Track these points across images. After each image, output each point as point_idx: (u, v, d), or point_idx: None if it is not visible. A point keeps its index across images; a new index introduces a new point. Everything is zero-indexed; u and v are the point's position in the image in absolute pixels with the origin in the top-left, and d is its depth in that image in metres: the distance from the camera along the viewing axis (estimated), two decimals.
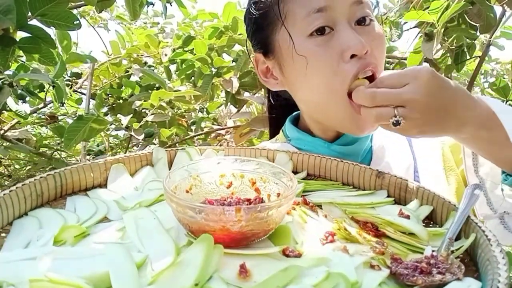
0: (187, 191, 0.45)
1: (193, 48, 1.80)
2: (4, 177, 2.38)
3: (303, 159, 0.60)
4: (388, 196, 0.52)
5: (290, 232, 0.39)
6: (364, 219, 0.44)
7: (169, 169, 0.58)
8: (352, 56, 0.57)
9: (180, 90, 1.77)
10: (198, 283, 0.29)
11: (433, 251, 0.35)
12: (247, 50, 0.77)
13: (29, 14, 0.90)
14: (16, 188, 0.42)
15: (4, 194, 0.41)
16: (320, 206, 0.48)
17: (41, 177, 0.46)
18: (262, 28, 0.66)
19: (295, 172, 0.60)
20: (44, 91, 1.54)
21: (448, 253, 0.34)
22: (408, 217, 0.44)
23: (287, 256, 0.36)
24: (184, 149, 0.60)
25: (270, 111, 0.84)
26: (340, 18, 0.58)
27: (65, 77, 1.83)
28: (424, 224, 0.44)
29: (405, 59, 1.50)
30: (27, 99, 1.55)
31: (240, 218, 0.34)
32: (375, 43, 0.59)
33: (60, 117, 1.99)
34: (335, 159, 0.57)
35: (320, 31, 0.58)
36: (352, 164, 0.55)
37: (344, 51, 0.56)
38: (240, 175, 0.47)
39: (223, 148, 0.62)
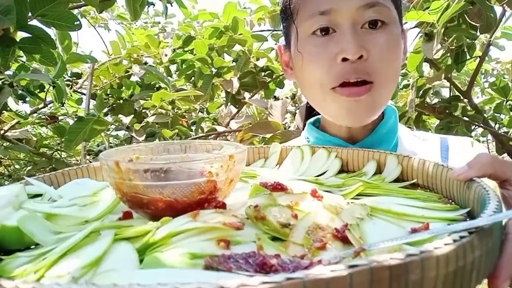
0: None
1: (193, 48, 1.81)
2: (4, 177, 2.38)
3: (412, 164, 0.51)
4: (470, 214, 0.37)
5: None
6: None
7: (280, 164, 0.61)
8: (345, 59, 0.56)
9: (183, 90, 1.77)
10: (88, 220, 0.36)
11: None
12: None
13: (29, 14, 0.90)
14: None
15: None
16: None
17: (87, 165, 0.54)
18: (283, 20, 0.68)
19: (402, 180, 0.51)
20: (44, 91, 1.54)
21: (331, 262, 0.26)
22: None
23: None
24: (300, 147, 0.61)
25: (307, 116, 0.82)
26: (343, 21, 0.57)
27: (65, 77, 1.83)
28: None
29: (405, 59, 1.50)
30: (27, 99, 1.55)
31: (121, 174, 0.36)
32: (377, 50, 0.56)
33: (60, 117, 1.99)
34: (441, 165, 0.46)
35: (324, 30, 0.58)
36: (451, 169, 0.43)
37: (337, 54, 0.56)
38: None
39: (336, 149, 0.59)
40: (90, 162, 1.80)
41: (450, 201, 0.43)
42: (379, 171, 0.54)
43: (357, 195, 0.46)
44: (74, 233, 0.32)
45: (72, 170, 0.52)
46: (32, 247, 0.35)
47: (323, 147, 0.60)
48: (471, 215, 0.37)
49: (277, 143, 0.62)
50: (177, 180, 0.36)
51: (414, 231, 0.32)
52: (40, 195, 0.45)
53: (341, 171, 0.57)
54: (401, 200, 0.43)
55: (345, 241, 0.32)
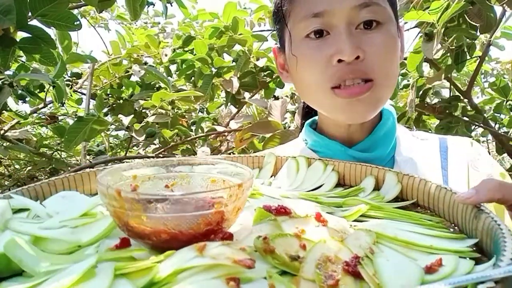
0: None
1: (193, 48, 1.81)
2: (5, 177, 2.38)
3: (413, 183, 0.49)
4: (478, 245, 0.36)
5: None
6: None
7: (275, 175, 0.59)
8: (340, 61, 0.55)
9: (183, 90, 1.78)
10: (82, 245, 0.35)
11: None
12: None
13: (30, 14, 0.90)
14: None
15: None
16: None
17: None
18: (276, 22, 0.67)
19: (401, 199, 0.50)
20: (44, 91, 1.54)
21: None
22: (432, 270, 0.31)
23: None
24: (295, 157, 0.59)
25: (305, 115, 0.81)
26: (337, 22, 0.56)
27: (65, 77, 1.83)
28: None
29: (405, 59, 1.50)
30: (27, 99, 1.55)
31: (122, 204, 0.33)
32: (373, 50, 0.56)
33: (60, 117, 2.00)
34: (444, 187, 0.45)
35: (319, 33, 0.57)
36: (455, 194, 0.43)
37: (332, 56, 0.56)
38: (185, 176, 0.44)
39: (333, 162, 0.58)
40: (90, 162, 1.80)
41: (453, 225, 0.43)
42: (377, 187, 0.53)
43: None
44: (67, 265, 0.30)
45: (58, 180, 0.48)
46: (20, 273, 0.32)
47: (320, 159, 0.59)
48: (478, 246, 0.37)
49: (272, 153, 0.61)
50: (183, 211, 0.34)
51: (429, 269, 0.32)
52: (26, 208, 0.42)
53: (337, 184, 0.56)
54: (405, 225, 0.42)
55: (356, 275, 0.31)
